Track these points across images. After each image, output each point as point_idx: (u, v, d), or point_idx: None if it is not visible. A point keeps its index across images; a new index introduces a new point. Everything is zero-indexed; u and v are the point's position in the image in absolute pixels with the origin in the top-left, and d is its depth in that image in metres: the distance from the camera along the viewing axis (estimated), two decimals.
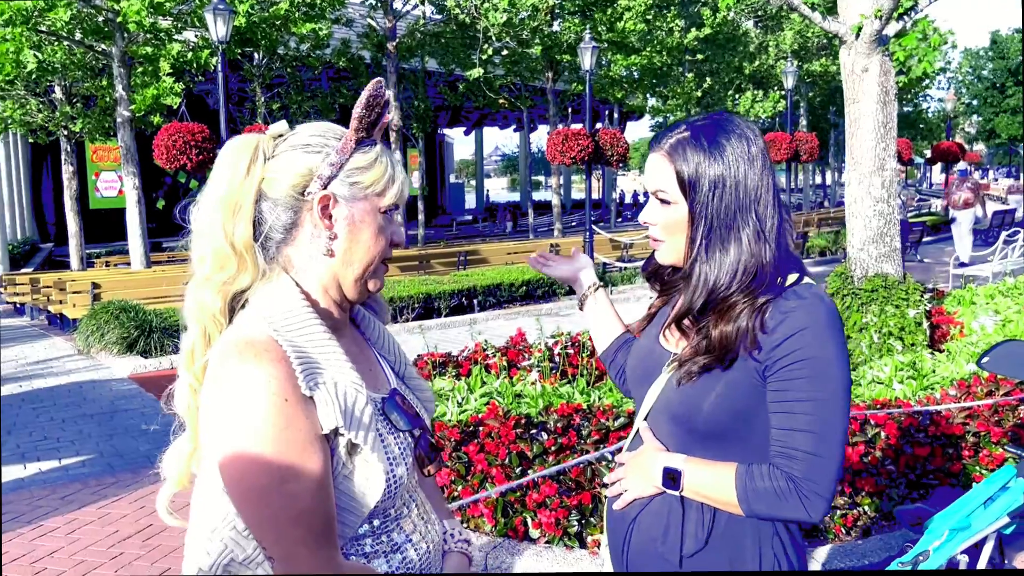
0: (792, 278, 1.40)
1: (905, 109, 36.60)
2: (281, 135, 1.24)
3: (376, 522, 1.23)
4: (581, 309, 1.85)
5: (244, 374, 1.09)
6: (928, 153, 32.15)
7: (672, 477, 1.41)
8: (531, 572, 3.50)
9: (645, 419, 1.52)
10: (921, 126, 39.50)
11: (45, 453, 5.97)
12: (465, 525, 3.92)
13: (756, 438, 1.39)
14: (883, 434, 4.01)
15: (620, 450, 1.62)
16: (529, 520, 3.80)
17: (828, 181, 45.08)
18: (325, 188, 1.20)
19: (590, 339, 5.99)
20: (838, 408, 1.33)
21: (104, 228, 25.80)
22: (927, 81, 29.07)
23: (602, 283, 1.89)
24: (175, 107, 14.17)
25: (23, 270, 19.79)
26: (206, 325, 1.21)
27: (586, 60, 15.68)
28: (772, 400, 1.36)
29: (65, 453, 5.95)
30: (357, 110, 1.20)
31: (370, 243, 1.24)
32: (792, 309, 1.34)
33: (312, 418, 1.11)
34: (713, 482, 1.38)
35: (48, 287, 13.19)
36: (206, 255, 1.19)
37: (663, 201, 1.42)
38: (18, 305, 15.17)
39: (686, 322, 1.44)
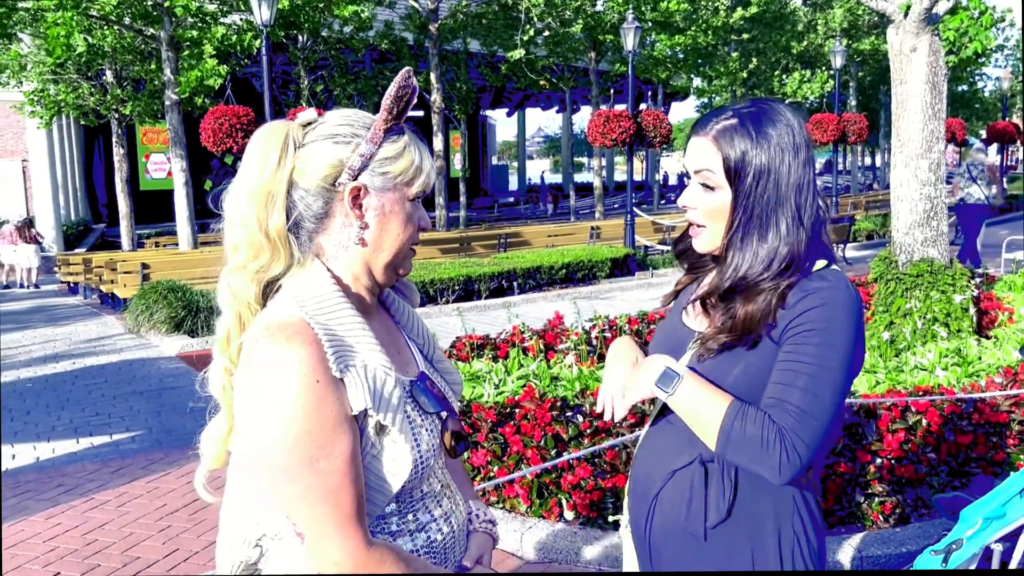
0: (820, 264, 1.42)
1: (960, 88, 35.58)
2: (310, 123, 1.26)
3: (403, 502, 1.27)
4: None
5: (277, 356, 1.12)
6: (983, 133, 31.22)
7: (669, 381, 1.39)
8: (539, 574, 3.53)
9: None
10: (976, 106, 38.39)
11: (97, 428, 6.17)
12: (500, 506, 3.97)
13: None
14: (924, 421, 3.96)
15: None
16: (564, 502, 3.83)
17: (878, 163, 44.13)
18: (355, 179, 1.23)
19: (627, 322, 6.00)
20: (839, 380, 1.34)
21: (154, 209, 26.35)
22: (983, 59, 28.20)
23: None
24: (218, 88, 14.36)
25: (77, 250, 20.34)
26: (240, 311, 1.24)
27: (629, 40, 15.53)
28: (778, 360, 1.37)
29: (116, 429, 6.14)
30: (386, 101, 1.22)
31: (399, 231, 1.26)
32: (815, 289, 1.37)
33: (342, 399, 1.15)
34: (705, 402, 1.36)
35: (100, 267, 13.54)
36: (240, 244, 1.22)
37: (706, 186, 1.43)
38: (72, 284, 15.61)
39: (711, 300, 1.45)
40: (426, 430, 1.26)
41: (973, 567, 2.20)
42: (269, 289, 1.25)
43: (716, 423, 1.35)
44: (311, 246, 1.25)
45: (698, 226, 1.47)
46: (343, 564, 1.15)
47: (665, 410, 1.55)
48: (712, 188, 1.42)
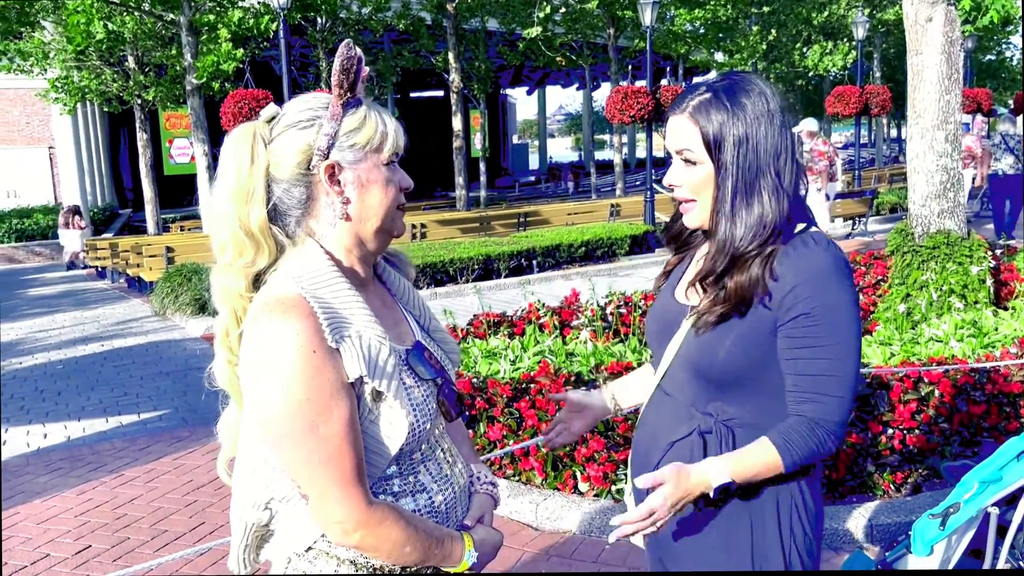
0: (800, 227, 1.45)
1: (987, 58, 34.90)
2: (273, 117, 1.32)
3: (403, 464, 1.34)
4: (619, 413, 1.86)
5: (275, 329, 1.19)
6: (1011, 103, 30.62)
7: (724, 489, 1.42)
8: (538, 573, 3.59)
9: (665, 372, 1.58)
10: (1003, 75, 37.64)
11: (126, 408, 6.33)
12: (516, 478, 4.05)
13: (771, 383, 1.45)
14: (937, 392, 3.97)
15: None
16: (578, 474, 3.90)
17: (903, 135, 43.46)
18: (326, 158, 1.28)
19: (643, 298, 6.03)
20: (849, 350, 1.40)
21: (178, 193, 26.61)
22: (1009, 28, 27.61)
23: (602, 389, 1.85)
24: (238, 72, 14.42)
25: (104, 236, 20.62)
26: (235, 308, 1.30)
27: (647, 15, 15.40)
28: (785, 347, 1.41)
29: (144, 408, 6.29)
30: (335, 76, 1.26)
31: (381, 196, 1.31)
32: (799, 256, 1.40)
33: (338, 368, 1.21)
34: (755, 466, 1.41)
35: (126, 251, 13.76)
36: (226, 243, 1.28)
37: (688, 162, 1.46)
38: (100, 269, 15.87)
39: (708, 280, 1.48)
40: (421, 396, 1.32)
41: (972, 531, 2.24)
42: (259, 281, 1.31)
43: (779, 462, 1.40)
44: (300, 231, 1.31)
45: (687, 202, 1.50)
46: (346, 522, 1.23)
47: (663, 385, 1.59)
48: (694, 163, 1.45)
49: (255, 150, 1.27)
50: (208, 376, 1.36)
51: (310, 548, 1.31)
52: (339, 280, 1.27)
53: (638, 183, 30.33)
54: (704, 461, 1.40)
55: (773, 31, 23.39)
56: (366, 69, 1.30)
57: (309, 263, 1.28)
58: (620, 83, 21.91)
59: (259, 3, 15.38)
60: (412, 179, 1.38)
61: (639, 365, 4.44)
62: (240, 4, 14.95)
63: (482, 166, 25.76)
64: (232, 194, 1.27)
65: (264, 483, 1.32)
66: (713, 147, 1.42)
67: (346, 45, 1.26)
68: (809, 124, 11.85)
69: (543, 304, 5.92)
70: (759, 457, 1.40)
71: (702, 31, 23.50)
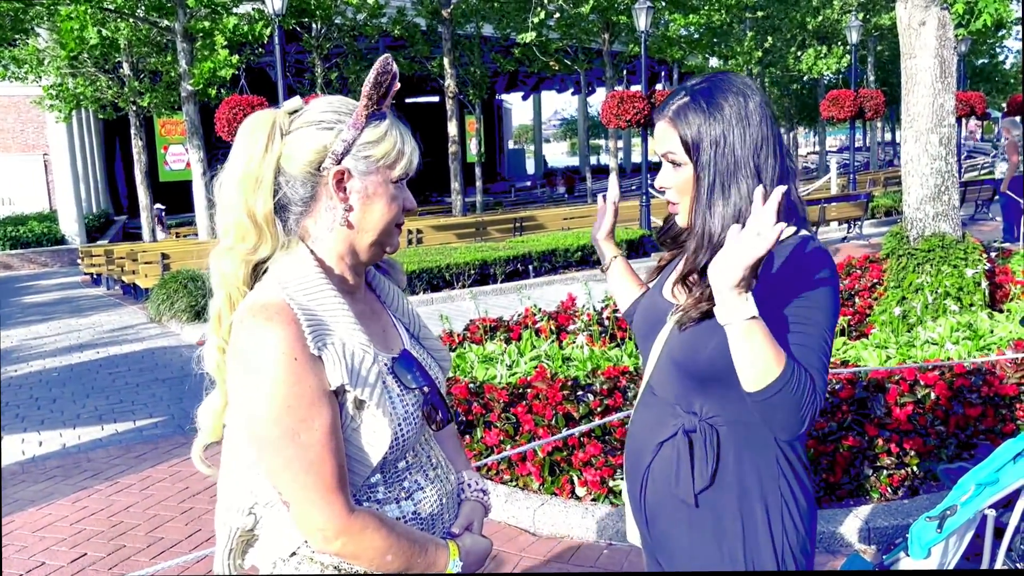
0: (788, 231, 1.46)
1: (980, 61, 35.04)
2: (296, 111, 1.31)
3: (388, 472, 1.33)
4: (604, 273, 1.96)
5: (258, 336, 1.19)
6: (1004, 106, 30.72)
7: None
8: (540, 573, 3.59)
9: (652, 371, 1.58)
10: (997, 79, 37.79)
11: (121, 415, 6.31)
12: (513, 484, 4.05)
13: None
14: (933, 394, 3.98)
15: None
16: (575, 479, 3.90)
17: (899, 139, 43.62)
18: (339, 163, 1.28)
19: None
20: (819, 346, 1.37)
21: (174, 200, 26.55)
22: (1003, 31, 27.73)
23: (623, 252, 1.96)
24: (229, 79, 14.42)
25: (99, 242, 20.59)
26: (230, 292, 1.30)
27: (641, 20, 15.44)
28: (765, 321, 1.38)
29: (139, 415, 6.27)
30: (366, 87, 1.27)
31: (383, 212, 1.31)
32: (786, 252, 1.42)
33: (320, 376, 1.21)
34: (769, 343, 1.30)
35: (122, 258, 13.74)
36: (229, 227, 1.28)
37: (674, 164, 1.50)
38: (95, 276, 15.84)
39: (693, 278, 1.50)
40: (405, 405, 1.32)
41: (970, 534, 2.24)
42: (258, 271, 1.31)
43: (777, 366, 1.29)
44: (297, 229, 1.31)
45: (674, 203, 1.54)
46: (326, 529, 1.22)
47: (651, 384, 1.60)
48: (679, 164, 1.49)
49: (271, 140, 1.27)
50: (196, 359, 1.35)
51: (294, 553, 1.31)
52: (326, 287, 1.27)
53: (634, 188, 30.28)
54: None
55: (769, 37, 23.48)
56: (397, 85, 1.30)
57: (297, 269, 1.27)
58: (615, 88, 21.94)
59: (254, 9, 15.39)
60: (408, 184, 1.38)
61: (636, 369, 4.45)
62: (234, 10, 14.95)
63: (478, 171, 25.78)
64: (241, 179, 1.26)
65: (248, 488, 1.32)
66: (692, 149, 1.46)
67: (384, 59, 1.27)
68: None
69: (539, 309, 5.92)
70: (772, 343, 1.29)
71: (696, 36, 23.57)
